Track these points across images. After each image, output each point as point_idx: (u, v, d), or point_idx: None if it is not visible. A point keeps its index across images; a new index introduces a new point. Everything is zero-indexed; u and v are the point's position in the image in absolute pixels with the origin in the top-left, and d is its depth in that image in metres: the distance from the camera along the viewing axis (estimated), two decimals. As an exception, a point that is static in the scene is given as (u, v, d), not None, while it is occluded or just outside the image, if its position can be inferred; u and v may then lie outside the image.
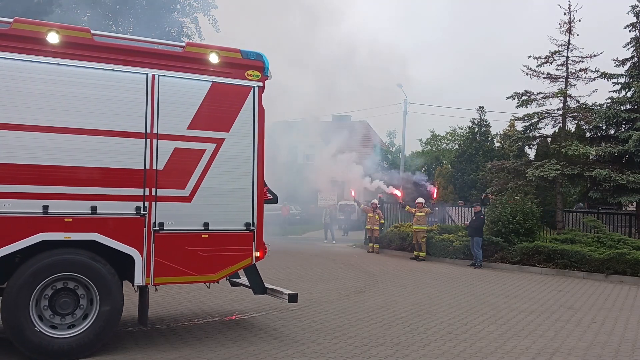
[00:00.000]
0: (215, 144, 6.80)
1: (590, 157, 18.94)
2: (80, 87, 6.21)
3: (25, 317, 5.88)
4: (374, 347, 7.07)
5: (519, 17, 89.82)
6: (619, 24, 21.09)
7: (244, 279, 7.84)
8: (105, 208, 6.23)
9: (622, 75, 19.54)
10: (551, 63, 19.72)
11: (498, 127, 63.97)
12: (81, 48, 6.24)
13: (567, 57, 19.55)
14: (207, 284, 7.38)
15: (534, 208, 17.67)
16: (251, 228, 6.97)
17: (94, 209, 6.17)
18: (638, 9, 19.26)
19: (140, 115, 6.44)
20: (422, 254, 18.24)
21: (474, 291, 11.97)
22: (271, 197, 7.48)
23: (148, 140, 6.45)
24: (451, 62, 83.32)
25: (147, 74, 6.49)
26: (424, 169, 38.82)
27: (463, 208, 22.55)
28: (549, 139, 22.31)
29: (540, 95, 19.86)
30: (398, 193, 22.62)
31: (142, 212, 6.39)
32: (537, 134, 20.90)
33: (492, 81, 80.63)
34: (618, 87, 19.64)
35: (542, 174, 18.21)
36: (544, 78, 19.94)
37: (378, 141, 41.21)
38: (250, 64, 7.04)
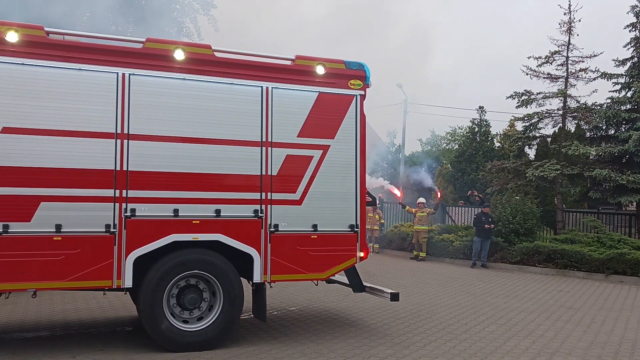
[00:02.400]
0: (322, 151, 7.30)
1: (590, 157, 18.89)
2: (203, 100, 6.79)
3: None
4: (374, 347, 7.07)
5: (518, 16, 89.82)
6: (619, 24, 21.03)
7: (339, 277, 8.14)
8: (228, 211, 6.80)
9: (622, 75, 19.48)
10: (551, 63, 19.67)
11: (498, 127, 63.79)
12: (203, 64, 6.82)
13: (567, 57, 19.50)
14: (316, 282, 7.83)
15: (534, 208, 17.66)
16: (355, 229, 7.44)
17: (218, 212, 6.75)
18: (638, 9, 19.22)
19: (257, 125, 7.00)
20: (423, 254, 18.23)
21: (474, 291, 11.97)
22: (370, 199, 7.94)
23: (263, 149, 7.01)
24: (451, 61, 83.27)
25: (261, 87, 7.05)
26: (423, 169, 38.75)
27: (463, 208, 22.53)
28: (549, 139, 22.27)
29: (540, 95, 19.81)
30: (397, 193, 22.54)
31: (259, 214, 6.95)
32: (537, 134, 20.85)
33: (492, 81, 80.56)
34: (618, 87, 19.59)
35: (542, 174, 18.19)
36: (544, 78, 19.89)
37: (378, 140, 41.24)
38: (353, 74, 7.52)
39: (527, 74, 20.00)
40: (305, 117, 7.22)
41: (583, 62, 19.47)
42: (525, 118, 20.26)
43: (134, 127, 6.47)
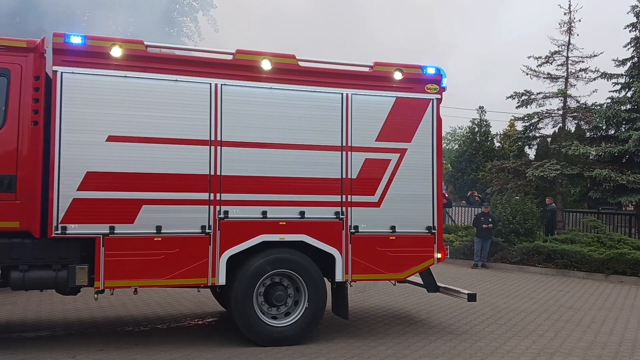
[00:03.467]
0: (399, 154, 7.48)
1: (590, 157, 18.91)
2: (289, 108, 7.10)
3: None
4: (374, 347, 7.07)
5: (518, 16, 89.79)
6: (619, 24, 21.01)
7: (413, 278, 8.22)
8: (311, 213, 7.11)
9: (622, 75, 19.50)
10: (551, 63, 19.69)
11: (498, 127, 63.77)
12: (288, 73, 7.14)
13: (567, 57, 19.52)
14: (393, 282, 8.14)
15: (534, 208, 17.65)
16: (432, 231, 7.60)
17: (302, 214, 7.07)
18: (638, 9, 19.24)
19: (337, 131, 7.27)
20: (423, 254, 18.19)
21: (474, 291, 11.94)
22: (446, 201, 7.90)
23: (344, 153, 7.27)
24: (451, 61, 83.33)
25: (342, 93, 7.30)
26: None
27: (463, 208, 22.55)
28: (549, 139, 22.28)
29: (540, 95, 19.83)
30: None
31: (340, 216, 7.22)
32: (537, 134, 20.88)
33: (493, 81, 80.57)
34: (618, 87, 19.62)
35: (542, 174, 18.20)
36: (544, 78, 19.92)
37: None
38: (429, 78, 7.68)
39: (527, 74, 20.02)
40: (383, 122, 7.40)
41: (583, 62, 19.52)
42: (525, 118, 20.27)
43: (226, 134, 6.84)
